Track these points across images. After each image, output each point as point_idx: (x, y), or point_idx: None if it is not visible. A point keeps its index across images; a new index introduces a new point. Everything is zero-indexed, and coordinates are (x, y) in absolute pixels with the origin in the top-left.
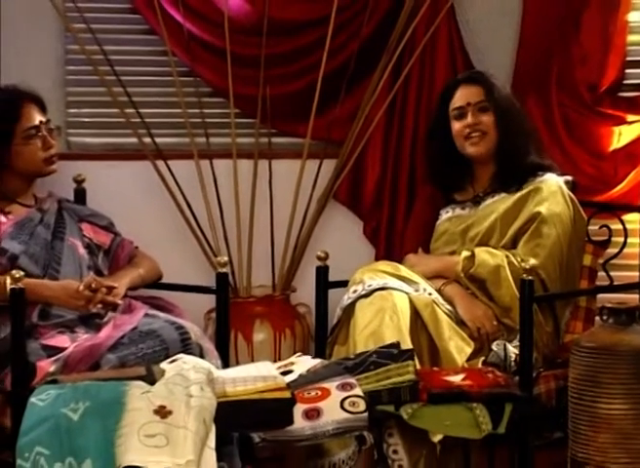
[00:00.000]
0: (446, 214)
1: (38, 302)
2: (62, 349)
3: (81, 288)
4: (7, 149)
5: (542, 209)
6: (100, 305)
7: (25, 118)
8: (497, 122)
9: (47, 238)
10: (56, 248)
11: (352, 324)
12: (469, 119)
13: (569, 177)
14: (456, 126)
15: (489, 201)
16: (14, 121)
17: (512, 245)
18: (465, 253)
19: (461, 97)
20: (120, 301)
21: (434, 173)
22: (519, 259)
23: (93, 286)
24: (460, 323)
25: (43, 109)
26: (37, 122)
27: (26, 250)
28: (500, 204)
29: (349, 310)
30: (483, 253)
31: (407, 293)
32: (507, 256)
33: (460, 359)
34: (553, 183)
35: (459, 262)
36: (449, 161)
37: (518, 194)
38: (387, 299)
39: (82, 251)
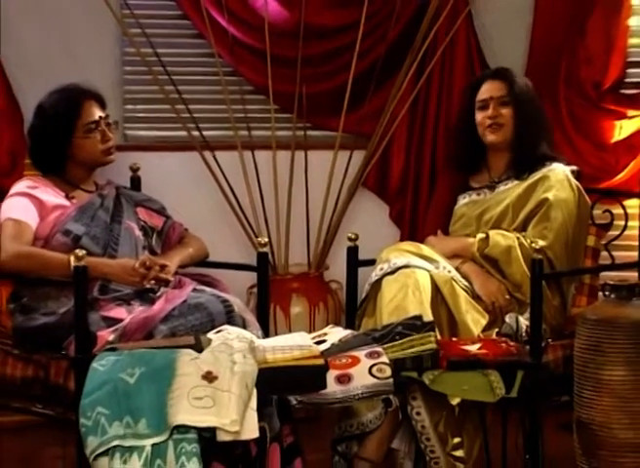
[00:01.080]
0: (463, 200)
1: (98, 278)
2: (120, 320)
3: (137, 265)
4: (70, 142)
5: (550, 195)
6: (153, 281)
7: (86, 114)
8: (515, 115)
9: (106, 221)
10: (114, 230)
11: (379, 298)
12: (490, 111)
13: (574, 167)
14: (479, 116)
15: (502, 187)
16: (75, 117)
17: (523, 228)
18: (480, 235)
19: (486, 90)
20: (171, 278)
21: (455, 154)
22: (529, 241)
23: (147, 264)
24: (475, 297)
25: (102, 105)
26: (97, 117)
27: (88, 231)
28: (511, 191)
29: (376, 286)
30: (496, 236)
31: (428, 271)
32: (518, 238)
33: (476, 330)
34: (560, 172)
35: (474, 243)
36: (469, 146)
37: (528, 181)
38: (410, 276)
39: (137, 232)
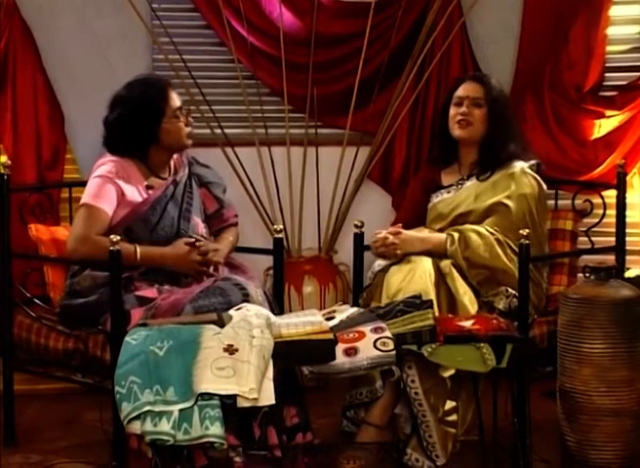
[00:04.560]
0: (436, 199)
1: (157, 267)
2: (151, 299)
3: (195, 258)
4: (158, 126)
5: (510, 192)
6: (212, 267)
7: (172, 100)
8: (487, 118)
9: (174, 216)
10: (182, 226)
11: (386, 285)
12: (463, 108)
13: (533, 161)
14: (452, 111)
15: (468, 183)
16: (165, 103)
17: (482, 220)
18: (455, 234)
19: (464, 89)
20: (222, 260)
21: (431, 147)
22: (491, 231)
23: (202, 249)
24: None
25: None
26: (180, 103)
27: (150, 236)
28: (477, 187)
29: (381, 274)
30: (473, 234)
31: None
32: (493, 234)
33: (472, 309)
34: (518, 170)
35: (447, 242)
36: (442, 139)
37: (491, 180)
38: (417, 262)
39: (201, 227)
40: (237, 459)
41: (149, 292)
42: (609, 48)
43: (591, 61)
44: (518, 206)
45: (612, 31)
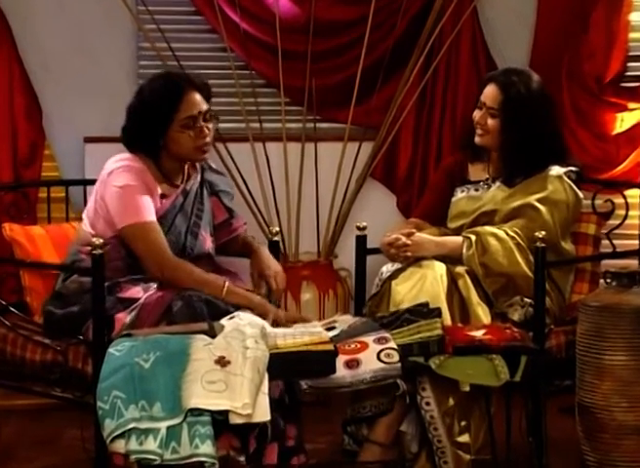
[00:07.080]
0: (461, 194)
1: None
2: (136, 299)
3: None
4: (166, 133)
5: (543, 195)
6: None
7: (185, 108)
8: (501, 128)
9: (181, 231)
10: (188, 243)
11: (394, 293)
12: (479, 117)
13: (573, 168)
14: (474, 113)
15: (498, 184)
16: (174, 110)
17: (507, 222)
18: (472, 237)
19: (484, 93)
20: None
21: (466, 138)
22: (512, 234)
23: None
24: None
25: (207, 97)
26: (195, 112)
27: None
28: (506, 190)
29: (389, 281)
30: (491, 239)
31: (445, 263)
32: (513, 238)
33: (486, 320)
34: (554, 175)
35: (462, 246)
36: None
37: (523, 183)
38: (429, 267)
39: (209, 243)
40: (241, 459)
41: (134, 291)
42: (632, 35)
43: (613, 50)
44: (549, 212)
45: (635, 17)
